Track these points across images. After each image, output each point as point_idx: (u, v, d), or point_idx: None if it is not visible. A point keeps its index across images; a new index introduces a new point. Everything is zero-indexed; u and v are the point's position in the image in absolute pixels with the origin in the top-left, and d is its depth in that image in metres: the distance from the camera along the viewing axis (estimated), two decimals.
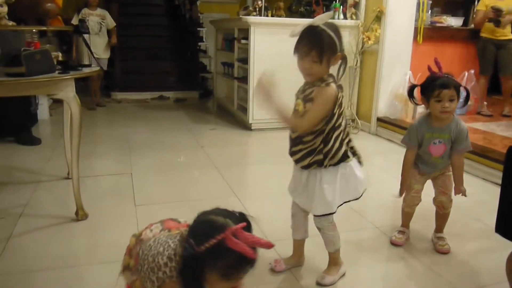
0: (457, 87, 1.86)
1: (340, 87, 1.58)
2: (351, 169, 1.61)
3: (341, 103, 1.56)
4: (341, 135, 1.58)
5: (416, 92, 1.99)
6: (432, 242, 2.10)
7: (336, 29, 1.53)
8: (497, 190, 1.15)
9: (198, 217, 1.11)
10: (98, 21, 5.23)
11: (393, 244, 2.08)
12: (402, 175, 2.02)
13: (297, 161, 1.66)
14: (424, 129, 1.94)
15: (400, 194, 2.06)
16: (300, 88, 1.68)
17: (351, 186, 1.62)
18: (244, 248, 1.00)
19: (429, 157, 1.96)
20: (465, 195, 2.00)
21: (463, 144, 1.92)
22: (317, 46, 1.50)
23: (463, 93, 1.97)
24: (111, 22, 5.42)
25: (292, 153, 1.67)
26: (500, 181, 1.17)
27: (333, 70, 1.63)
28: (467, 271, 1.89)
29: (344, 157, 1.59)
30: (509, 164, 1.16)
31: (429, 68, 1.93)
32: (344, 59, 1.58)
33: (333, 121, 1.54)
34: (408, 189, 2.07)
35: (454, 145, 1.92)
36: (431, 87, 1.88)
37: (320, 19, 1.51)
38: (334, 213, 1.66)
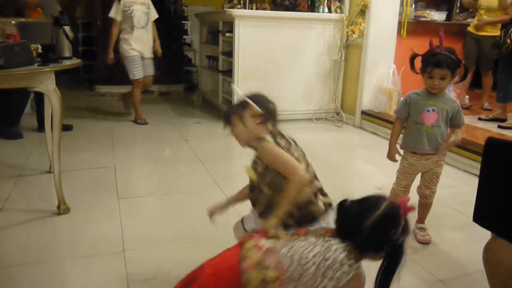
0: (451, 66, 1.87)
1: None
2: None
3: None
4: None
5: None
6: (413, 233, 2.13)
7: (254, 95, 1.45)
8: (477, 181, 1.18)
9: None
10: (144, 11, 4.17)
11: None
12: (389, 140, 2.12)
13: None
14: (418, 97, 1.97)
15: (389, 157, 2.10)
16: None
17: None
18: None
19: (420, 127, 1.96)
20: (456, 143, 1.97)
21: (461, 118, 1.96)
22: (234, 114, 1.43)
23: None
24: (155, 13, 4.33)
25: None
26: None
27: None
28: (447, 261, 1.92)
29: None
30: (487, 155, 1.18)
31: (430, 42, 1.94)
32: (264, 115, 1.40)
33: None
34: (396, 184, 2.12)
35: (452, 121, 1.95)
36: (426, 62, 1.92)
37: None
38: None
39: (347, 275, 1.11)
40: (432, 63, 1.89)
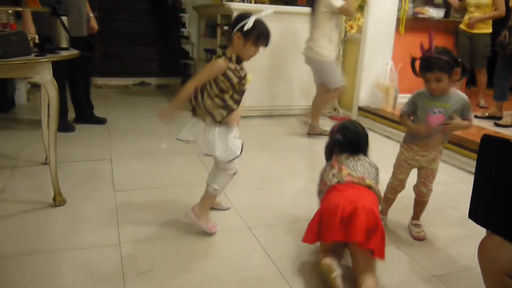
0: (443, 67, 1.83)
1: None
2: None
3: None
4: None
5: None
6: (408, 229, 2.14)
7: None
8: (472, 179, 1.18)
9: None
10: None
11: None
12: (408, 128, 2.04)
13: None
14: (424, 98, 1.94)
15: (423, 131, 1.97)
16: None
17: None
18: None
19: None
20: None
21: (467, 114, 1.94)
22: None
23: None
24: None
25: None
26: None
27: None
28: (442, 257, 1.94)
29: None
30: (482, 152, 1.19)
31: (421, 46, 1.90)
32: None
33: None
34: (393, 178, 2.12)
35: (461, 117, 1.92)
36: (419, 67, 1.90)
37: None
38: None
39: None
40: (423, 68, 1.88)
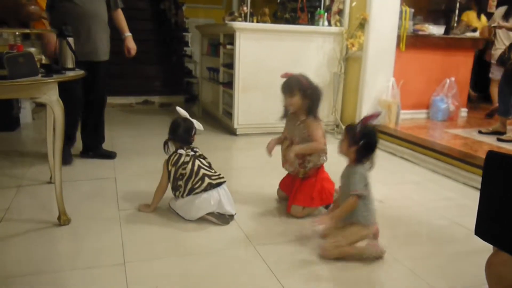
0: (349, 135, 1.98)
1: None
2: None
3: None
4: None
5: None
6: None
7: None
8: (477, 194, 1.18)
9: None
10: None
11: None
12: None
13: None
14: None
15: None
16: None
17: None
18: None
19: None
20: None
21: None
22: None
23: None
24: None
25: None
26: (480, 186, 1.20)
27: None
28: (448, 274, 1.92)
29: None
30: (488, 168, 1.19)
31: (374, 115, 2.04)
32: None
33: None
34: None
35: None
36: None
37: None
38: None
39: None
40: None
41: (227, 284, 1.76)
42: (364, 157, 1.99)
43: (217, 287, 1.75)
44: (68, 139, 3.12)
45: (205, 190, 2.25)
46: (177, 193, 2.32)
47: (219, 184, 2.31)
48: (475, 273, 1.81)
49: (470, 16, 5.63)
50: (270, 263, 1.91)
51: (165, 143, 2.42)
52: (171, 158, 2.35)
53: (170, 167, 2.33)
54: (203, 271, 1.86)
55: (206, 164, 2.39)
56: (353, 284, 1.83)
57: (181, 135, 2.42)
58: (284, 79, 2.41)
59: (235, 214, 2.35)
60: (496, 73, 5.55)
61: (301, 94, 2.34)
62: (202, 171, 2.29)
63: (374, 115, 2.03)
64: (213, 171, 2.38)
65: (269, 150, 2.46)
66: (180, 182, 2.29)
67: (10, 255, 1.93)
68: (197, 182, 2.26)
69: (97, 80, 3.25)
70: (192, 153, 2.39)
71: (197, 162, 2.33)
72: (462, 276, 1.90)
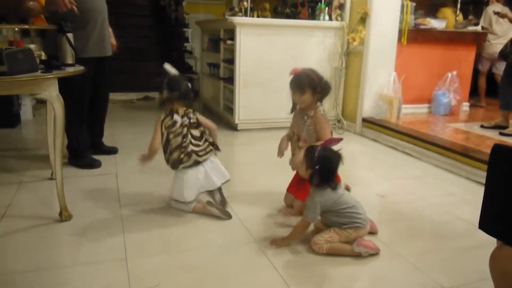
0: (307, 160, 1.97)
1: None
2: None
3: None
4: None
5: None
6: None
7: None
8: (479, 189, 1.18)
9: None
10: None
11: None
12: None
13: None
14: None
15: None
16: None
17: None
18: None
19: None
20: None
21: None
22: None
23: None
24: None
25: None
26: (482, 180, 1.19)
27: None
28: (450, 269, 1.91)
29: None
30: (493, 162, 1.18)
31: (333, 140, 2.01)
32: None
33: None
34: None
35: None
36: None
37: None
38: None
39: None
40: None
41: (229, 280, 1.76)
42: (321, 181, 1.93)
43: (220, 283, 1.74)
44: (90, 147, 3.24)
45: (191, 166, 2.27)
46: (164, 156, 2.32)
47: (205, 160, 2.31)
48: (478, 268, 1.80)
49: (445, 13, 5.62)
50: (272, 258, 1.91)
51: (163, 102, 2.30)
52: (166, 120, 2.26)
53: (163, 129, 2.26)
54: (205, 267, 1.86)
55: (197, 136, 2.30)
56: (355, 279, 1.83)
57: (186, 93, 2.31)
58: (292, 76, 2.36)
59: (229, 180, 2.42)
60: (485, 65, 5.59)
61: (311, 90, 2.29)
62: (190, 147, 2.25)
63: (335, 140, 2.00)
64: (201, 144, 2.31)
65: (282, 151, 2.41)
66: (168, 147, 2.28)
67: (11, 251, 1.93)
68: (184, 156, 2.25)
69: (108, 75, 3.26)
70: (187, 121, 2.28)
71: (189, 137, 2.26)
72: (465, 271, 1.89)
